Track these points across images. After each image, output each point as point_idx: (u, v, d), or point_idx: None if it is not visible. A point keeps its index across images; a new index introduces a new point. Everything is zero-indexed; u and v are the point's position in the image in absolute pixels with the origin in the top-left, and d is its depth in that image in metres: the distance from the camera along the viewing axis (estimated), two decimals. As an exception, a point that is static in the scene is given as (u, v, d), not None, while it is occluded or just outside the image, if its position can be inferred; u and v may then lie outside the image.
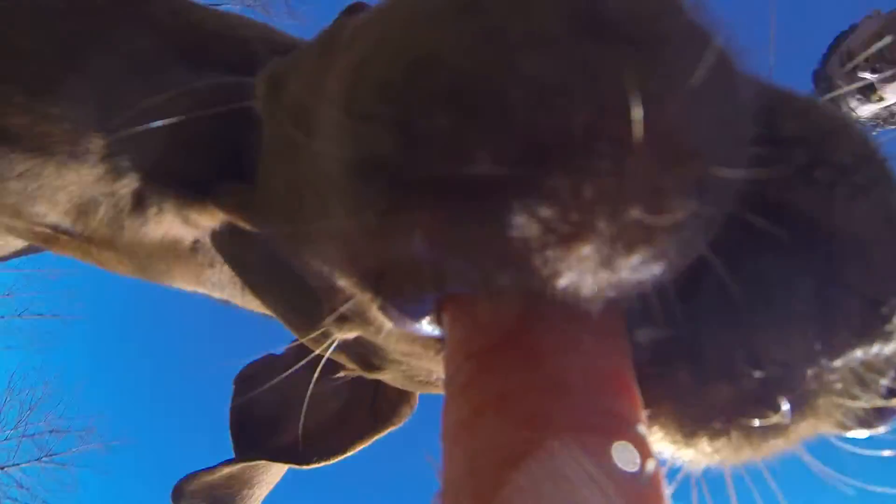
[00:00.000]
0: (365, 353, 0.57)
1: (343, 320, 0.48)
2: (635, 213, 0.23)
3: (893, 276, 0.29)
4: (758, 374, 0.29)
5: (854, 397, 0.31)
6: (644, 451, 0.27)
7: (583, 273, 0.24)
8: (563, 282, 0.25)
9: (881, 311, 0.29)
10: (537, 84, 0.23)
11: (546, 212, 0.23)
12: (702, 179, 0.24)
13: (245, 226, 0.54)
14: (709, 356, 0.30)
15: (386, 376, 0.60)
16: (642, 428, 0.28)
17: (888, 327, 0.29)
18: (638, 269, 0.25)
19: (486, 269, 0.25)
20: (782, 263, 0.29)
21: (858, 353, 0.29)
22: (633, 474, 0.26)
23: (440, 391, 0.57)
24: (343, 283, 0.39)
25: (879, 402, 0.31)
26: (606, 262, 0.24)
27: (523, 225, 0.23)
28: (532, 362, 0.28)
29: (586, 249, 0.24)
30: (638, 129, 0.22)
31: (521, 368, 0.28)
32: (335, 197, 0.28)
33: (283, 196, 0.45)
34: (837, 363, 0.29)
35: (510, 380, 0.27)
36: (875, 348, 0.29)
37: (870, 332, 0.29)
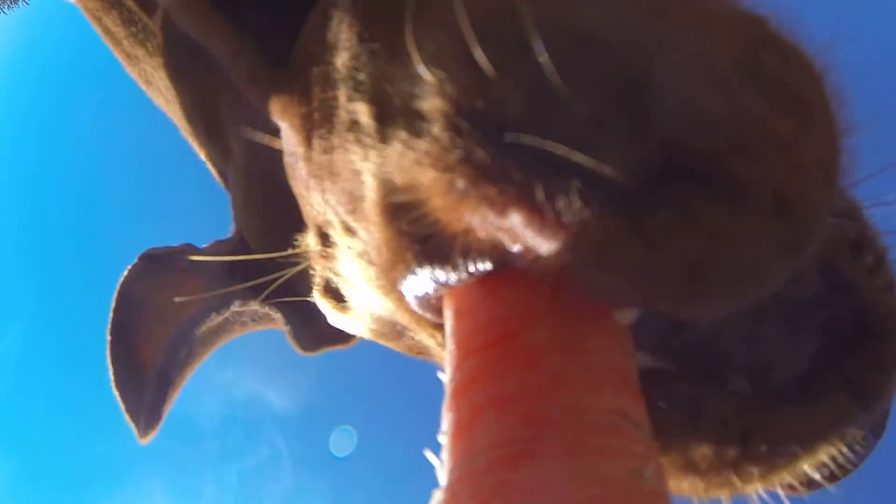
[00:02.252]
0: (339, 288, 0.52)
1: (328, 253, 0.43)
2: (735, 254, 0.24)
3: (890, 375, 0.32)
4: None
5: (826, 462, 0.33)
6: (647, 452, 0.26)
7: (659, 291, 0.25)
8: (633, 293, 0.25)
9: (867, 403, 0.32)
10: (689, 106, 0.23)
11: (653, 229, 0.24)
12: (815, 230, 0.25)
13: (254, 98, 0.44)
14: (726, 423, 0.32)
15: (355, 319, 0.56)
16: (646, 428, 0.27)
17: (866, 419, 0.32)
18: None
19: (566, 262, 0.25)
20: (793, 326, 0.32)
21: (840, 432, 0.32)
22: (635, 475, 0.25)
23: (404, 349, 0.55)
24: (357, 220, 0.35)
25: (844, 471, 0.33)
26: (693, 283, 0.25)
27: (626, 235, 0.24)
28: (534, 361, 0.27)
29: (678, 273, 0.24)
30: (762, 173, 0.24)
31: (522, 367, 0.27)
32: (417, 131, 0.26)
33: (320, 92, 0.36)
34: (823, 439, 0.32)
35: (512, 379, 0.27)
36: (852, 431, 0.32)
37: (853, 420, 0.32)
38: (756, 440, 0.31)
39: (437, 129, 0.25)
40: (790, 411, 0.32)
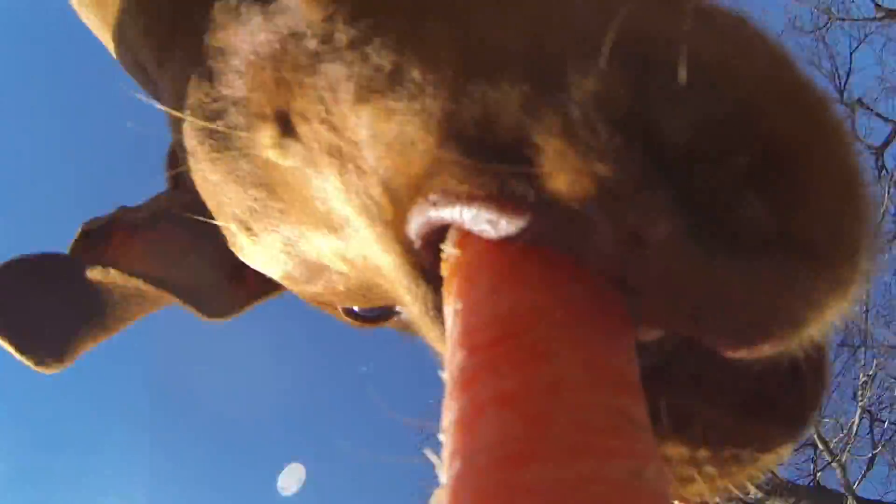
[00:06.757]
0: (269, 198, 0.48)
1: (290, 136, 0.41)
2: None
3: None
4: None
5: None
6: (648, 453, 0.26)
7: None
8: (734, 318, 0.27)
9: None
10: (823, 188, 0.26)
11: (748, 277, 0.26)
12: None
13: None
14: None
15: (257, 251, 0.51)
16: (647, 428, 0.27)
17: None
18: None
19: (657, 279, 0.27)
20: None
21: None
22: (637, 476, 0.25)
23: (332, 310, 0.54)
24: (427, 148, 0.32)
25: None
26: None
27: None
28: (536, 360, 0.27)
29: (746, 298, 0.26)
30: (846, 244, 0.26)
31: (525, 366, 0.27)
32: (552, 98, 0.27)
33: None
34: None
35: (514, 377, 0.27)
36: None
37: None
38: (726, 446, 0.34)
39: (586, 113, 0.26)
40: (749, 425, 0.34)
